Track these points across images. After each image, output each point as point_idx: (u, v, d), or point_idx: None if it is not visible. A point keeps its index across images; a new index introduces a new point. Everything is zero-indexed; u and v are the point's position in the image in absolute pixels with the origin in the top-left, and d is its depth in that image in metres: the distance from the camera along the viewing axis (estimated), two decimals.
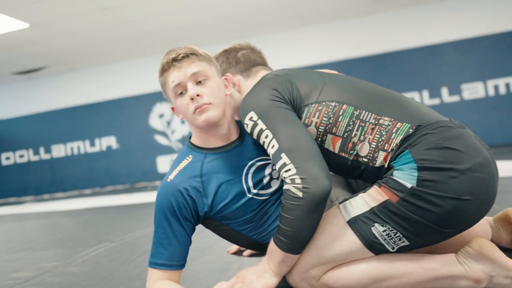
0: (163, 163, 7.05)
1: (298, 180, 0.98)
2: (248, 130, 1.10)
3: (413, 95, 6.01)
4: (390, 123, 1.06)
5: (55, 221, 3.63)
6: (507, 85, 5.76)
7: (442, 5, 5.95)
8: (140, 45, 6.37)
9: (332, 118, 1.11)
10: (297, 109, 1.13)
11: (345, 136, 1.10)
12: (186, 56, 1.13)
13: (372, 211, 1.02)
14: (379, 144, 1.06)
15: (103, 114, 7.33)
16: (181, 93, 1.12)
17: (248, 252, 1.62)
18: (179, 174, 1.14)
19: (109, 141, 7.35)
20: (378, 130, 1.06)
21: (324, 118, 1.11)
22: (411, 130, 1.03)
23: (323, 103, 1.12)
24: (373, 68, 6.15)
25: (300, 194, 0.98)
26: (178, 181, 1.12)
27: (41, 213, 4.51)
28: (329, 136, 1.12)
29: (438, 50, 5.96)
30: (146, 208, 3.64)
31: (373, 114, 1.08)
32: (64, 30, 5.30)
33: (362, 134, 1.08)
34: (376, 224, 1.01)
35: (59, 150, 7.57)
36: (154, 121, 7.13)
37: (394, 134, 1.04)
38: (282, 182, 1.18)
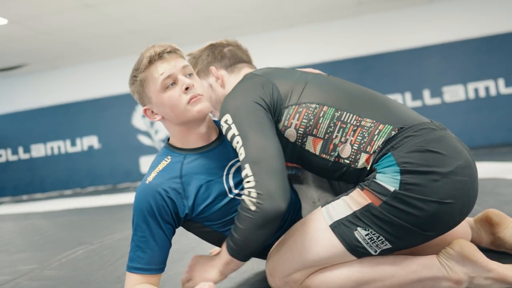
0: (146, 164, 6.96)
1: (254, 194, 0.98)
2: (224, 131, 1.09)
3: (396, 97, 6.09)
4: (372, 124, 1.06)
5: (33, 222, 3.55)
6: (487, 88, 5.88)
7: (425, 9, 6.05)
8: (123, 44, 6.28)
9: (312, 120, 1.10)
10: (277, 111, 1.12)
11: (326, 137, 1.09)
12: (173, 50, 1.12)
13: (354, 214, 1.01)
14: (361, 146, 1.05)
15: (85, 113, 7.20)
16: (171, 85, 1.10)
17: None
18: (158, 175, 1.11)
19: (90, 141, 7.23)
20: (360, 131, 1.06)
21: (304, 120, 1.10)
22: (393, 132, 1.03)
23: (303, 104, 1.11)
24: (357, 70, 6.21)
25: (253, 208, 0.97)
26: (157, 182, 1.09)
27: (19, 215, 4.41)
28: (310, 138, 1.11)
29: (421, 53, 6.06)
30: (127, 209, 3.58)
31: (355, 116, 1.08)
32: (45, 27, 5.18)
33: (343, 135, 1.07)
34: (358, 228, 1.00)
35: (38, 150, 7.40)
36: (137, 121, 7.05)
37: (376, 136, 1.04)
38: None
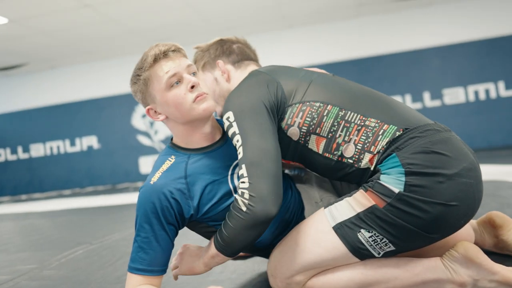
0: (146, 164, 6.96)
1: (246, 195, 0.98)
2: (225, 128, 1.09)
3: (396, 99, 6.08)
4: (376, 124, 1.05)
5: (32, 222, 3.53)
6: (487, 91, 5.89)
7: (425, 11, 6.06)
8: (123, 44, 6.28)
9: (316, 119, 1.09)
10: (280, 109, 1.11)
11: (329, 136, 1.08)
12: (178, 50, 1.12)
13: (358, 216, 1.00)
14: (365, 146, 1.04)
15: (84, 113, 7.19)
16: (176, 83, 1.09)
17: None
18: (162, 175, 1.10)
19: (90, 141, 7.22)
20: (364, 131, 1.05)
21: (307, 119, 1.10)
22: (398, 133, 1.02)
23: (307, 103, 1.11)
24: (357, 71, 6.21)
25: (244, 208, 0.98)
26: (162, 183, 1.08)
27: (18, 214, 4.39)
28: (313, 137, 1.10)
29: (421, 55, 6.06)
30: (127, 210, 3.57)
31: (359, 115, 1.07)
32: (44, 27, 5.18)
33: (347, 135, 1.07)
34: (362, 230, 1.00)
35: (37, 150, 7.39)
36: (137, 121, 7.04)
37: (380, 136, 1.03)
38: None
